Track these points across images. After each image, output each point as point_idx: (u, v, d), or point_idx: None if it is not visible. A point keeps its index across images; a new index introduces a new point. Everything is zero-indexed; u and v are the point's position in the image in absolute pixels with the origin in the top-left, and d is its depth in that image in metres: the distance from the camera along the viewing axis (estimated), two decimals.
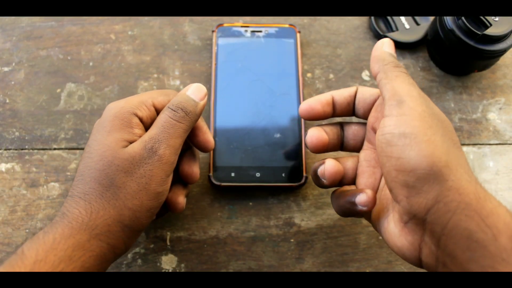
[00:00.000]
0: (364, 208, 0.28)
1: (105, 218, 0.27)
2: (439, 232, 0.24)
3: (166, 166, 0.28)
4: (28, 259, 0.25)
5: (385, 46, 0.31)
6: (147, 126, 0.30)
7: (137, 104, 0.30)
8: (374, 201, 0.28)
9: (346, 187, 0.32)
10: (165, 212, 0.35)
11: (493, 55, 0.39)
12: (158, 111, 0.31)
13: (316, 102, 0.32)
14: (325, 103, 0.33)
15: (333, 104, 0.33)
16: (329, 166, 0.31)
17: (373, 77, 0.33)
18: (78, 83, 0.42)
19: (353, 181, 0.33)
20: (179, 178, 0.35)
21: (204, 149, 0.34)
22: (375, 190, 0.31)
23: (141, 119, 0.30)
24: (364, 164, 0.32)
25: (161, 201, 0.29)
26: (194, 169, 0.34)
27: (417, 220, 0.25)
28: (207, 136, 0.33)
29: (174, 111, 0.30)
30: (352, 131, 0.34)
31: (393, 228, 0.27)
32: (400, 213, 0.26)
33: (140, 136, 0.29)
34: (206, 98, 0.32)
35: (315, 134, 0.32)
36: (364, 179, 0.32)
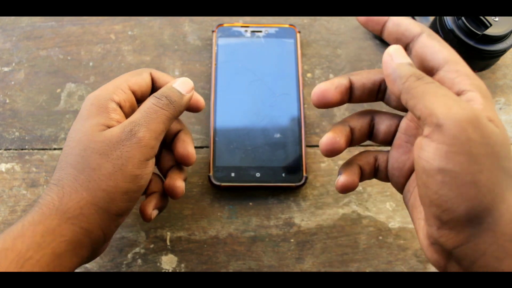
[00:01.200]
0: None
1: (77, 201, 0.27)
2: (467, 265, 0.23)
3: (145, 150, 0.28)
4: None
5: (395, 57, 0.25)
6: (125, 109, 0.31)
7: (112, 90, 0.30)
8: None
9: None
10: (165, 206, 0.35)
11: (493, 55, 0.39)
12: (134, 92, 0.31)
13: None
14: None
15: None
16: (323, 141, 0.28)
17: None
18: (78, 83, 0.43)
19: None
20: (176, 163, 0.35)
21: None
22: (407, 171, 0.28)
23: (118, 104, 0.30)
24: (402, 138, 0.28)
25: (140, 185, 0.29)
26: (189, 149, 0.33)
27: (443, 248, 0.24)
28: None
29: (158, 98, 0.30)
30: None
31: (422, 238, 0.25)
32: (428, 232, 0.24)
33: (118, 121, 0.29)
34: (192, 92, 0.32)
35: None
36: (398, 155, 0.28)
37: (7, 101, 0.42)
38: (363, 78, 0.29)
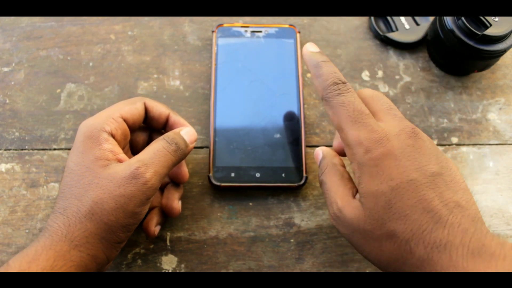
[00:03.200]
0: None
1: (82, 231, 0.28)
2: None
3: (149, 191, 0.29)
4: (12, 270, 0.26)
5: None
6: (117, 137, 0.32)
7: (104, 119, 0.31)
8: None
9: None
10: (166, 220, 0.37)
11: (493, 55, 0.39)
12: (126, 120, 0.33)
13: None
14: None
15: None
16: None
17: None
18: (78, 83, 0.42)
19: None
20: (171, 180, 0.37)
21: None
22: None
23: (110, 133, 0.31)
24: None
25: (138, 219, 0.30)
26: (182, 168, 0.36)
27: None
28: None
29: (169, 143, 0.31)
30: None
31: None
32: None
33: (111, 151, 0.30)
34: (194, 143, 0.34)
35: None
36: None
37: (7, 101, 0.42)
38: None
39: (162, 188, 0.37)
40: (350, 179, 0.31)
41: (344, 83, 0.29)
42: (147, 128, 0.37)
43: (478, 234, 0.24)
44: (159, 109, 0.35)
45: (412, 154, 0.27)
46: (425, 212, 0.25)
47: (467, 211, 0.25)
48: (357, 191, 0.29)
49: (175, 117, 0.35)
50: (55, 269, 0.26)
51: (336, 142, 0.34)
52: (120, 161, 0.30)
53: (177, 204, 0.35)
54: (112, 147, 0.30)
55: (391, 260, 0.26)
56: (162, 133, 0.35)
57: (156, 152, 0.30)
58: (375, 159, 0.27)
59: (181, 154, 0.32)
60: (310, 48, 0.32)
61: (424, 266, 0.24)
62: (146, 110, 0.35)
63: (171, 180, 0.37)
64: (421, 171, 0.26)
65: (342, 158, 0.34)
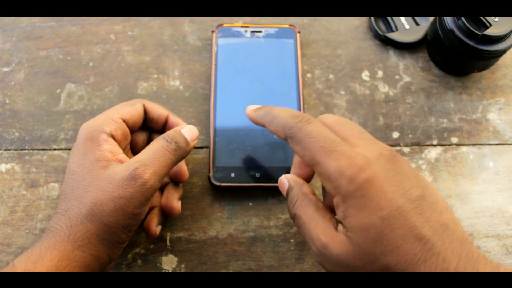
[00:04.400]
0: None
1: (84, 232, 0.28)
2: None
3: (148, 192, 0.29)
4: (18, 270, 0.26)
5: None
6: (117, 137, 0.32)
7: (103, 121, 0.32)
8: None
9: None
10: (166, 219, 0.37)
11: (493, 55, 0.39)
12: (126, 122, 0.33)
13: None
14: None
15: None
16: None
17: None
18: (78, 83, 0.42)
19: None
20: (170, 179, 0.37)
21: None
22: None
23: (110, 134, 0.31)
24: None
25: (139, 220, 0.30)
26: (182, 167, 0.36)
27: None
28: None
29: (168, 142, 0.31)
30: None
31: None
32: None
33: (110, 151, 0.30)
34: (196, 141, 0.34)
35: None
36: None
37: (7, 101, 0.42)
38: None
39: (161, 188, 0.37)
40: (326, 208, 0.28)
41: (302, 114, 0.28)
42: (147, 129, 0.37)
43: (470, 259, 0.24)
44: (158, 110, 0.35)
45: (395, 178, 0.25)
46: (417, 240, 0.24)
47: (455, 233, 0.25)
48: (337, 222, 0.27)
49: (174, 118, 0.35)
50: (60, 269, 0.27)
51: (295, 171, 0.31)
52: (120, 161, 0.30)
53: (176, 204, 0.35)
54: (111, 148, 0.31)
55: None
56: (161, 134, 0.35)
57: (155, 152, 0.30)
58: (361, 188, 0.25)
59: (182, 152, 0.32)
60: (251, 107, 0.32)
61: None
62: (145, 112, 0.35)
63: (170, 179, 0.37)
64: (406, 196, 0.25)
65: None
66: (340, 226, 0.26)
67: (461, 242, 0.24)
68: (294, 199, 0.29)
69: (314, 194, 0.29)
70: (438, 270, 0.23)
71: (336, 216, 0.26)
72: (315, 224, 0.27)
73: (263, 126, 0.31)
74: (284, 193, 0.31)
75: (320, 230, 0.27)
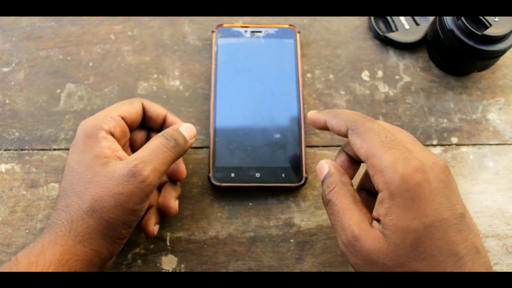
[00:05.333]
0: None
1: (85, 227, 0.28)
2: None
3: (147, 188, 0.29)
4: (21, 264, 0.26)
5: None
6: (116, 134, 0.32)
7: (102, 118, 0.32)
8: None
9: None
10: (163, 219, 0.37)
11: (493, 55, 0.39)
12: (124, 120, 0.33)
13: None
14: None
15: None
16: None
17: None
18: (78, 83, 0.42)
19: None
20: (169, 178, 0.37)
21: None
22: None
23: (109, 131, 0.31)
24: None
25: (139, 216, 0.30)
26: (180, 166, 0.36)
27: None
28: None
29: (167, 139, 0.31)
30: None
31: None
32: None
33: (109, 148, 0.31)
34: (194, 139, 0.34)
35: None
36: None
37: (7, 101, 0.42)
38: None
39: (159, 187, 0.37)
40: (362, 203, 0.28)
41: (365, 115, 0.29)
42: (145, 128, 0.37)
43: None
44: (157, 109, 0.35)
45: (444, 190, 0.25)
46: (451, 255, 0.24)
47: (483, 259, 0.25)
48: (373, 219, 0.27)
49: (172, 118, 0.36)
50: (62, 263, 0.27)
51: (340, 159, 0.32)
52: (119, 158, 0.30)
53: (174, 204, 0.35)
54: (110, 144, 0.31)
55: None
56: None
57: (154, 149, 0.30)
58: (411, 190, 0.25)
59: (180, 150, 0.32)
60: (311, 112, 0.33)
61: None
62: (144, 110, 0.35)
63: (168, 178, 0.37)
64: (451, 210, 0.25)
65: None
66: (375, 223, 0.26)
67: (487, 269, 0.25)
68: (332, 185, 0.29)
69: (352, 186, 0.30)
70: None
71: (375, 212, 0.27)
72: (350, 214, 0.27)
73: (322, 127, 0.32)
74: (321, 176, 0.31)
75: (354, 222, 0.27)
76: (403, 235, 0.25)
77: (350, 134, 0.28)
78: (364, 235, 0.26)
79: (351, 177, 0.32)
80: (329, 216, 0.29)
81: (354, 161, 0.32)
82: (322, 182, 0.30)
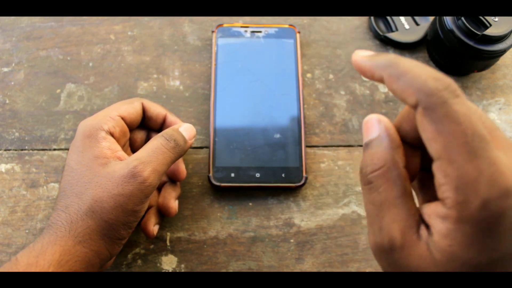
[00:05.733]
0: None
1: (84, 228, 0.28)
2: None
3: (147, 189, 0.29)
4: (21, 264, 0.26)
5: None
6: (116, 134, 0.32)
7: (102, 118, 0.32)
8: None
9: None
10: (163, 219, 0.37)
11: (492, 55, 0.39)
12: (124, 119, 0.33)
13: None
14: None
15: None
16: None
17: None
18: (78, 83, 0.42)
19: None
20: (169, 178, 0.37)
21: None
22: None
23: (108, 131, 0.31)
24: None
25: (138, 217, 0.30)
26: (180, 166, 0.36)
27: None
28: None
29: (167, 140, 0.31)
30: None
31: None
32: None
33: (109, 148, 0.31)
34: (194, 139, 0.34)
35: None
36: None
37: (7, 101, 0.42)
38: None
39: (159, 188, 0.37)
40: (412, 197, 0.21)
41: (448, 80, 0.19)
42: (145, 128, 0.37)
43: None
44: (156, 109, 0.35)
45: None
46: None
47: None
48: (421, 220, 0.21)
49: (171, 118, 0.36)
50: (62, 263, 0.27)
51: (405, 120, 0.22)
52: (119, 158, 0.31)
53: (173, 204, 0.35)
54: (110, 145, 0.31)
55: None
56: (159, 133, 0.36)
57: (154, 150, 0.30)
58: (490, 221, 0.18)
59: (180, 150, 0.32)
60: (360, 53, 0.22)
61: None
62: (144, 110, 0.35)
63: (168, 178, 0.37)
64: None
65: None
66: (424, 231, 0.20)
67: None
68: (380, 162, 0.21)
69: (405, 167, 0.22)
70: None
71: (428, 218, 0.20)
72: (395, 213, 0.21)
73: (379, 80, 0.21)
74: (367, 138, 0.22)
75: (399, 225, 0.21)
76: (458, 267, 0.20)
77: (421, 114, 0.19)
78: (408, 248, 0.20)
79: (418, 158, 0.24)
80: (365, 200, 0.22)
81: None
82: (365, 147, 0.22)
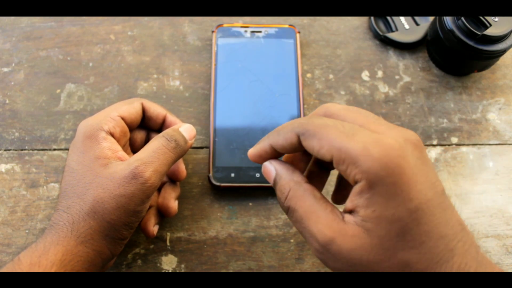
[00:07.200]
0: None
1: (86, 228, 0.28)
2: None
3: (149, 190, 0.29)
4: (24, 264, 0.26)
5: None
6: (116, 134, 0.32)
7: (102, 119, 0.32)
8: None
9: None
10: (163, 219, 0.37)
11: (492, 55, 0.39)
12: (124, 119, 0.33)
13: (258, 155, 0.28)
14: (264, 155, 0.28)
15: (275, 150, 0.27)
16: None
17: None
18: (78, 83, 0.42)
19: None
20: (169, 178, 0.37)
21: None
22: None
23: (108, 131, 0.31)
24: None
25: (140, 217, 0.30)
26: (180, 166, 0.36)
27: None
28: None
29: (168, 140, 0.31)
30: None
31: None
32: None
33: (109, 148, 0.31)
34: (194, 140, 0.34)
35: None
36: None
37: (7, 101, 0.42)
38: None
39: (159, 188, 0.37)
40: (325, 198, 0.25)
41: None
42: (145, 128, 0.37)
43: (485, 263, 0.23)
44: (156, 109, 0.35)
45: (423, 168, 0.23)
46: (440, 238, 0.22)
47: (469, 235, 0.23)
48: (344, 211, 0.24)
49: (171, 118, 0.36)
50: (64, 263, 0.27)
51: (279, 142, 0.26)
52: (119, 158, 0.31)
53: (173, 204, 0.35)
54: (110, 145, 0.31)
55: None
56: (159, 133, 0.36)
57: (155, 150, 0.30)
58: (392, 174, 0.21)
59: (181, 151, 0.32)
60: (251, 149, 0.28)
61: None
62: (144, 110, 0.35)
63: (168, 178, 0.37)
64: (434, 189, 0.23)
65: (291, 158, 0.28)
66: (348, 217, 0.23)
67: (474, 246, 0.23)
68: (285, 189, 0.25)
69: (307, 181, 0.26)
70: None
71: (350, 204, 0.23)
72: (315, 217, 0.24)
73: (272, 155, 0.27)
74: (271, 181, 0.27)
75: (323, 224, 0.23)
76: (388, 226, 0.22)
77: (304, 140, 0.24)
78: (340, 236, 0.23)
79: (304, 170, 0.28)
80: (293, 224, 0.25)
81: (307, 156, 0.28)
82: (274, 187, 0.27)
